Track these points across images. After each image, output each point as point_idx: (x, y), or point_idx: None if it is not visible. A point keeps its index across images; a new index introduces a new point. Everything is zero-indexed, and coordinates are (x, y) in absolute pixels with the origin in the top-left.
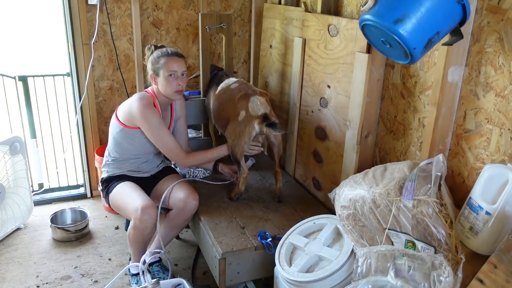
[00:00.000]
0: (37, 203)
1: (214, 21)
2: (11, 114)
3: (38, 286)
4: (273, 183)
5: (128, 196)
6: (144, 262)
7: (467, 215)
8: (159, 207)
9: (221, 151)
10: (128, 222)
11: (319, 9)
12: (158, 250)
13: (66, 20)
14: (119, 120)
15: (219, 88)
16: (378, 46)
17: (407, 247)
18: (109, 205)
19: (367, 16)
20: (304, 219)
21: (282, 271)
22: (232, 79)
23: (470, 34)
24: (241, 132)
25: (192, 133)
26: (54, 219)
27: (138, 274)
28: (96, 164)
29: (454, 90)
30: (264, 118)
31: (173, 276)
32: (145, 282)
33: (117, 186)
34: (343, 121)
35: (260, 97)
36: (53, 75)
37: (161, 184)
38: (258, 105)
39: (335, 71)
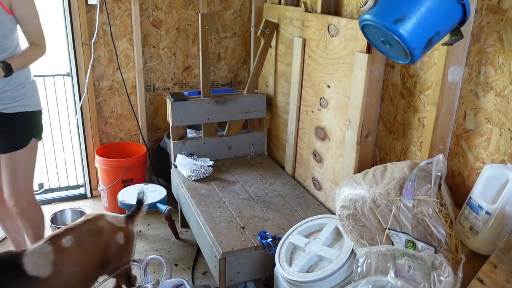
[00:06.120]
0: None
1: (260, 23)
2: None
3: None
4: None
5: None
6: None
7: (467, 215)
8: None
9: None
10: None
11: (319, 9)
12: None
13: (66, 20)
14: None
15: None
16: (378, 46)
17: (407, 247)
18: None
19: (367, 16)
20: (304, 219)
21: (282, 271)
22: None
23: (470, 34)
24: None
25: (192, 133)
26: (54, 219)
27: None
28: (96, 164)
29: (454, 90)
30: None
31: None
32: (145, 282)
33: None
34: (343, 121)
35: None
36: (53, 75)
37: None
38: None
39: (335, 71)
